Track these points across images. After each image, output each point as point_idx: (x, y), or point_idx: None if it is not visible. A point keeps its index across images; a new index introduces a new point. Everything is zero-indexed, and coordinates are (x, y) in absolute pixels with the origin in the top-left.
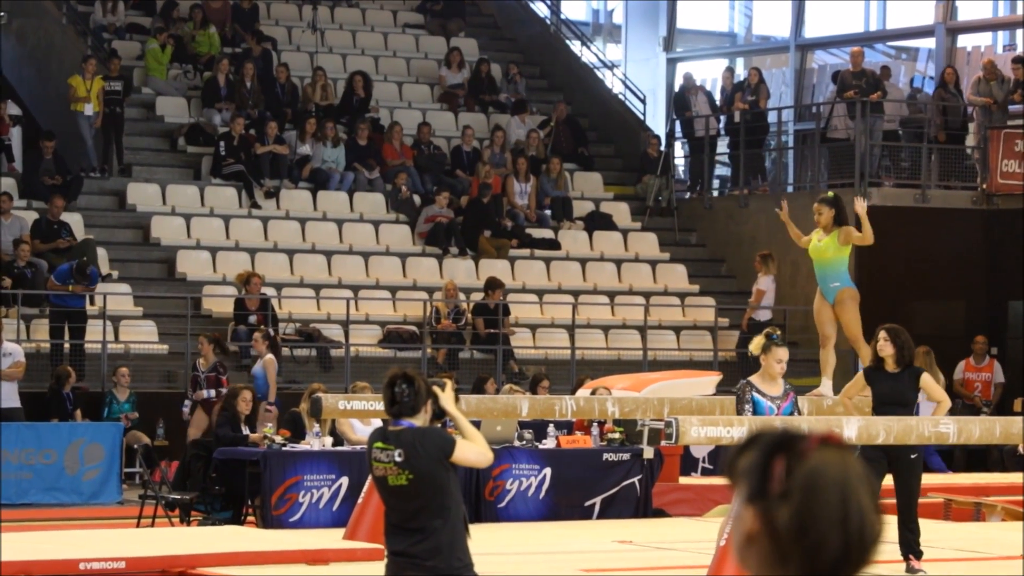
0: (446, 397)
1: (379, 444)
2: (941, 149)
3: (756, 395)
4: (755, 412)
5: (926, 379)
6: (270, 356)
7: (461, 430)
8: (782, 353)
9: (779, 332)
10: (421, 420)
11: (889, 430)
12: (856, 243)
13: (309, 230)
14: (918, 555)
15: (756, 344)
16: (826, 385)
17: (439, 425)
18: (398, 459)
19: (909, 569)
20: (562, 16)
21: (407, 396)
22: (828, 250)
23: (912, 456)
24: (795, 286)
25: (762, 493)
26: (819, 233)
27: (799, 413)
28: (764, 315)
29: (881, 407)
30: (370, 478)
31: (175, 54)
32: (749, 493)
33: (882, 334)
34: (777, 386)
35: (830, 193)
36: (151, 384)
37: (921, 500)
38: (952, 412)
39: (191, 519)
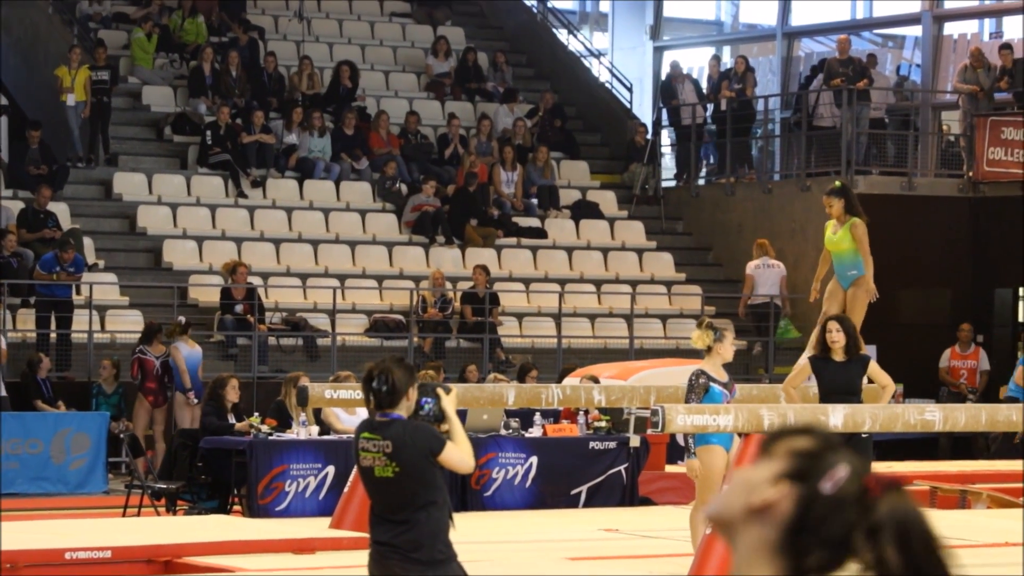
0: (449, 400)
1: (366, 434)
2: (927, 136)
3: (712, 384)
4: (710, 399)
5: (872, 366)
6: (175, 344)
7: (453, 434)
8: (732, 335)
9: (713, 320)
10: (405, 409)
11: (875, 418)
12: (858, 244)
13: (295, 219)
14: None
15: (703, 338)
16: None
17: (439, 427)
18: (387, 450)
19: None
20: (549, 5)
21: (386, 390)
22: (843, 241)
23: (863, 435)
24: (798, 272)
25: (807, 478)
26: (833, 224)
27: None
28: (760, 299)
29: (829, 396)
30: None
31: (161, 43)
32: (793, 472)
33: (833, 324)
34: (724, 372)
35: (837, 183)
36: None
37: (907, 488)
38: (938, 400)
39: (177, 508)
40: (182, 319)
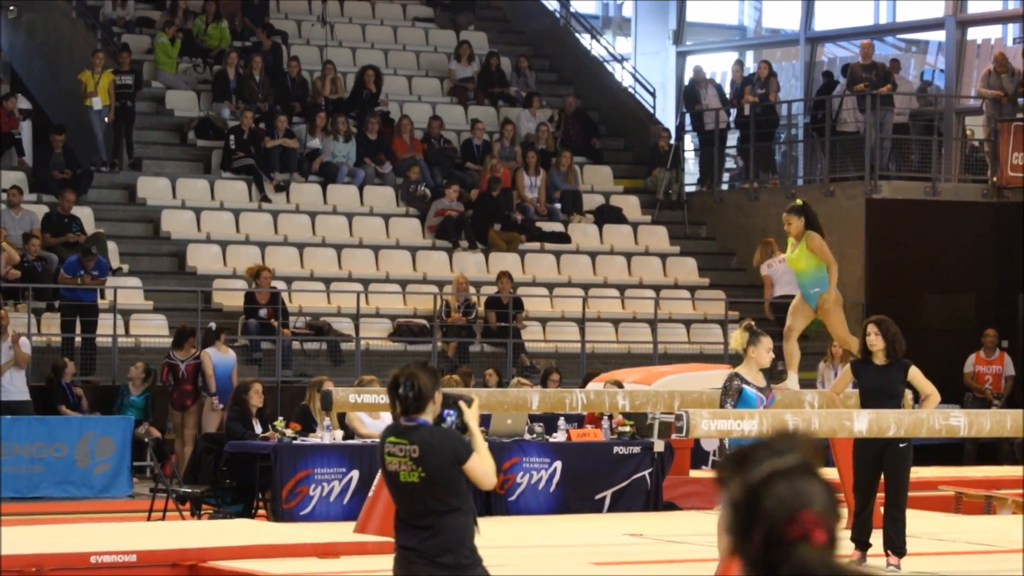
0: (471, 413)
1: (392, 439)
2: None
3: (747, 387)
4: (744, 403)
5: (914, 372)
6: (206, 350)
7: (477, 450)
8: (769, 342)
9: (754, 323)
10: (431, 414)
11: (900, 423)
12: (817, 254)
13: (319, 224)
14: (899, 552)
15: (739, 339)
16: (792, 379)
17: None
18: (413, 455)
19: (888, 564)
20: (572, 9)
21: (412, 396)
22: (801, 260)
23: (901, 446)
24: None
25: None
26: (791, 243)
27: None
28: (779, 292)
29: (868, 399)
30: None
31: (184, 48)
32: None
33: (871, 327)
34: (762, 378)
35: (798, 201)
36: (161, 378)
37: (933, 493)
38: (962, 405)
39: (202, 513)
40: (213, 325)
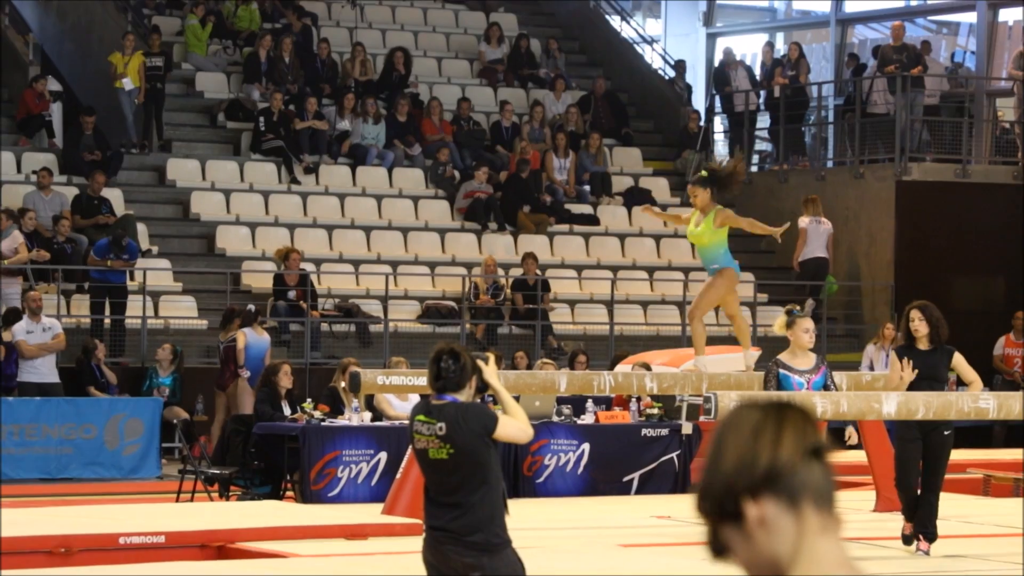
0: (490, 371)
1: (421, 417)
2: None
3: (784, 371)
4: (783, 388)
5: (958, 358)
6: (240, 331)
7: (503, 404)
8: (807, 323)
9: (798, 307)
10: (465, 396)
11: (928, 405)
12: (734, 226)
13: (348, 206)
14: (930, 538)
15: (780, 323)
16: (749, 355)
17: (481, 400)
18: (440, 432)
19: (917, 548)
20: None
21: (452, 371)
22: (704, 235)
23: (946, 433)
24: (851, 259)
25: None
26: (696, 215)
27: (834, 386)
28: (810, 253)
29: (914, 385)
30: (409, 452)
31: (215, 30)
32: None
33: (915, 313)
34: (808, 359)
35: (704, 172)
36: (190, 359)
37: (961, 476)
38: (991, 387)
39: (230, 494)
40: (252, 307)
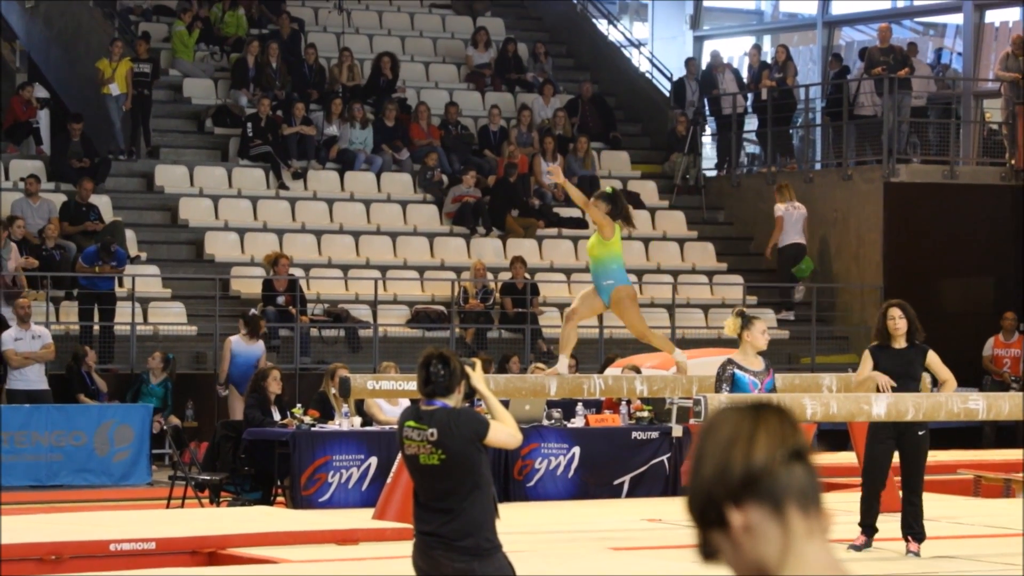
0: (476, 376)
1: (411, 423)
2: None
3: (738, 372)
4: (737, 388)
5: (932, 356)
6: (228, 339)
7: (491, 410)
8: (763, 324)
9: (745, 310)
10: (454, 400)
11: (919, 406)
12: (596, 219)
13: (337, 211)
14: (918, 538)
15: (732, 325)
16: (562, 363)
17: (469, 404)
18: (431, 438)
19: (908, 549)
20: None
21: (442, 376)
22: (595, 247)
23: (920, 433)
24: (839, 261)
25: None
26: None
27: (774, 389)
28: (787, 239)
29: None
30: (399, 457)
31: (202, 36)
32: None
33: (895, 311)
34: (758, 361)
35: (608, 188)
36: (180, 366)
37: (952, 477)
38: (981, 389)
39: (221, 500)
40: (255, 312)
